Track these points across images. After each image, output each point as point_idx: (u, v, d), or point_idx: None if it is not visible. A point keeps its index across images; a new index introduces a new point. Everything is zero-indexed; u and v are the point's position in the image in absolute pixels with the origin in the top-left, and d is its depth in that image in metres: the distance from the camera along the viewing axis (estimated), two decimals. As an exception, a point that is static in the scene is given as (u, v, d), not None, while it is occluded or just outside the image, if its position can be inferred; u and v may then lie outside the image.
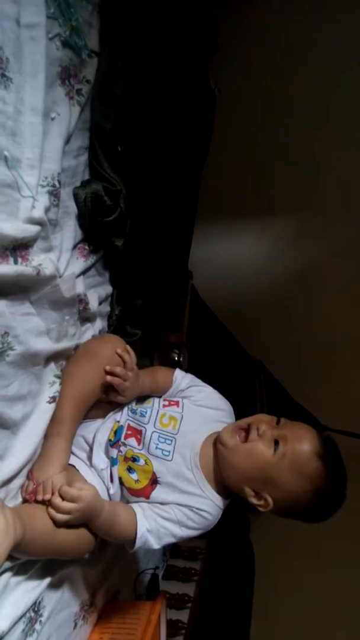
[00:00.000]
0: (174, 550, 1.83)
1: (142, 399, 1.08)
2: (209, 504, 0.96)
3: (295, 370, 2.22)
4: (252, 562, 1.97)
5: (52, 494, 0.85)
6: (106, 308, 1.20)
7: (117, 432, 1.00)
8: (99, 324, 1.15)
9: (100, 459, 0.99)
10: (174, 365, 1.59)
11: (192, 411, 1.05)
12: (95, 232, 1.06)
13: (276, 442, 0.92)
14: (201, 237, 1.89)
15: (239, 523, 1.97)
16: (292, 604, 1.89)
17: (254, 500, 0.94)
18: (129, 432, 1.00)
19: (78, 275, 1.01)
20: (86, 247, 1.05)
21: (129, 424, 1.01)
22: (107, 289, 1.18)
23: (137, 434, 1.00)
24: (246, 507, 0.96)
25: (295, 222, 2.16)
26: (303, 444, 0.92)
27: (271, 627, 1.82)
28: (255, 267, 2.24)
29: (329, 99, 1.91)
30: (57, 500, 0.84)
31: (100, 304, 1.14)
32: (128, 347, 1.03)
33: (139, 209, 1.16)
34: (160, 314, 1.52)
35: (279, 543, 2.01)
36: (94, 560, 1.11)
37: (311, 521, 0.97)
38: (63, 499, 0.84)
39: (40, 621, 0.90)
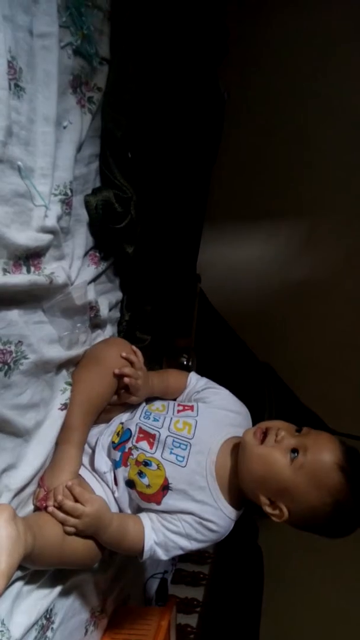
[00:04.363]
0: (182, 554, 1.82)
1: (154, 402, 1.06)
2: (219, 515, 0.92)
3: (304, 374, 2.21)
4: (261, 566, 1.96)
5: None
6: (116, 314, 1.20)
7: (121, 434, 0.98)
8: (109, 330, 1.15)
9: (103, 462, 0.97)
10: (183, 369, 1.59)
11: (208, 414, 1.00)
12: (106, 239, 1.06)
13: (295, 451, 0.87)
14: (210, 240, 1.88)
15: (247, 527, 1.97)
16: (301, 608, 1.88)
17: (268, 510, 0.90)
18: (141, 435, 0.97)
19: (89, 283, 1.01)
20: (97, 254, 1.06)
21: (140, 427, 0.98)
22: (117, 295, 1.18)
23: (150, 437, 0.96)
24: (255, 511, 0.95)
25: (304, 226, 2.15)
26: (323, 454, 0.86)
27: (280, 631, 1.81)
28: (264, 270, 2.23)
29: (341, 103, 1.89)
30: (68, 501, 0.85)
31: (110, 310, 1.14)
32: (134, 347, 1.03)
33: (149, 214, 1.16)
34: (169, 319, 1.52)
35: (287, 547, 1.99)
36: (105, 567, 1.11)
37: (329, 536, 0.92)
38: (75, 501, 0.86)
39: (52, 628, 0.90)
